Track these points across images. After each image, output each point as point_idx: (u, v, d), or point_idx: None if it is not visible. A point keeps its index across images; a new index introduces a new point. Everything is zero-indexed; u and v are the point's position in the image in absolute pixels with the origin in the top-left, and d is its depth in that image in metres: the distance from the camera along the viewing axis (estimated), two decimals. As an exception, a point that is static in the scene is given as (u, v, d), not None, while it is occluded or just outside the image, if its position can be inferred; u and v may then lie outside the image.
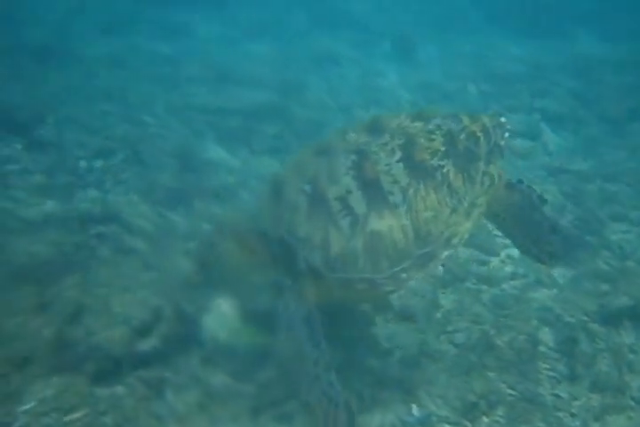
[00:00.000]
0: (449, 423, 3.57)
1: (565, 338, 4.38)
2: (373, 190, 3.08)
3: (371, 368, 3.85)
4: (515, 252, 5.32)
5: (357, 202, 3.08)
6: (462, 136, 3.32)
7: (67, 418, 3.25)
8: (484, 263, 5.22)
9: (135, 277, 3.99)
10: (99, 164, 6.10)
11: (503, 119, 3.54)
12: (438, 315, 4.51)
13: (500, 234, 5.43)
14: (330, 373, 3.08)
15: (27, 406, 3.26)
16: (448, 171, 3.19)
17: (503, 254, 5.36)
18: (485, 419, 3.63)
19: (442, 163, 3.20)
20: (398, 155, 3.16)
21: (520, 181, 3.47)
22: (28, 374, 3.38)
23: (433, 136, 3.27)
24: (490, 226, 5.51)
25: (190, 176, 5.89)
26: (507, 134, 3.47)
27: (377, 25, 11.81)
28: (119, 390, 3.48)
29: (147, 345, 3.64)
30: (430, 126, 3.33)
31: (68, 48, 9.46)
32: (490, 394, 3.76)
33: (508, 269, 5.18)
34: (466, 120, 3.42)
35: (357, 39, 11.27)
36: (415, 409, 3.62)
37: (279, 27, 11.81)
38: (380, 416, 3.55)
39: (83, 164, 6.00)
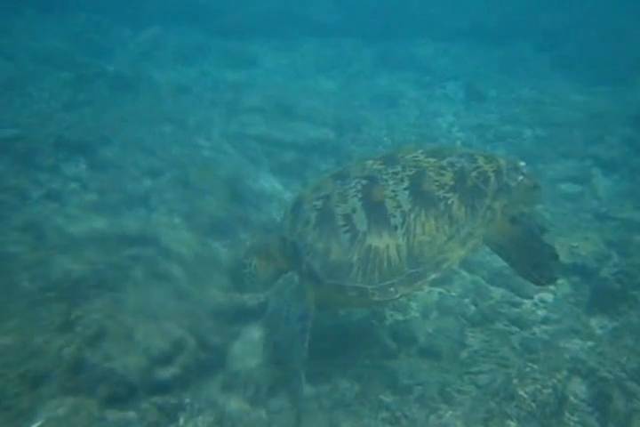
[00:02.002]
0: (459, 469, 3.37)
1: (598, 393, 4.00)
2: (376, 212, 3.36)
3: (386, 405, 3.71)
4: (549, 296, 5.08)
5: (360, 220, 3.38)
6: (473, 174, 3.46)
7: None
8: (516, 305, 4.94)
9: (164, 305, 3.92)
10: (147, 183, 6.12)
11: (522, 163, 3.58)
12: (464, 354, 4.31)
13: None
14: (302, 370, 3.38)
15: (36, 425, 3.22)
16: (452, 202, 3.36)
17: (537, 298, 5.06)
18: (500, 470, 3.39)
19: (447, 195, 3.37)
20: (406, 184, 3.41)
21: (522, 214, 3.47)
22: (41, 393, 3.34)
23: (443, 171, 3.45)
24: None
25: (240, 205, 5.81)
26: (520, 177, 3.48)
27: (440, 67, 11.72)
28: (130, 415, 3.44)
29: (165, 374, 3.61)
30: (443, 162, 3.50)
31: (142, 76, 9.88)
32: (506, 444, 3.51)
33: (541, 313, 4.87)
34: (481, 160, 3.54)
35: (420, 80, 11.24)
36: (426, 452, 3.45)
37: (345, 64, 11.92)
38: (389, 454, 3.40)
39: (133, 183, 6.04)
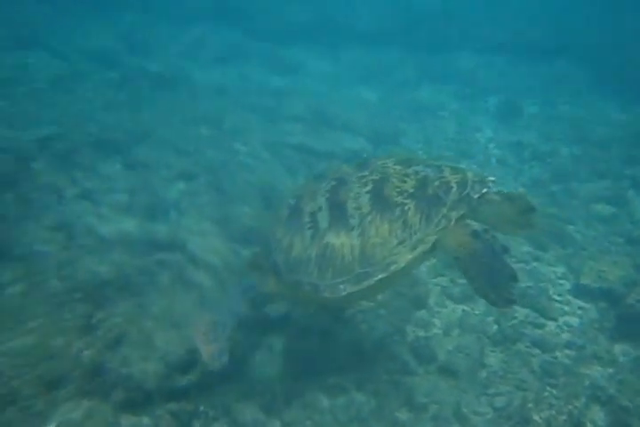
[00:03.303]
0: (467, 490, 3.35)
1: (617, 422, 3.94)
2: (338, 211, 3.48)
3: (401, 422, 3.73)
4: (575, 320, 4.98)
5: (323, 218, 3.50)
6: (436, 183, 3.46)
7: None
8: (539, 326, 4.85)
9: (188, 313, 3.86)
10: (180, 186, 6.05)
11: (491, 178, 3.54)
12: (483, 374, 4.28)
13: (558, 299, 5.22)
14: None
15: None
16: (409, 208, 3.40)
17: (561, 321, 4.96)
18: None
19: (405, 201, 3.42)
20: (369, 187, 3.50)
21: (485, 231, 3.39)
22: (57, 396, 3.39)
23: (406, 179, 3.51)
24: (551, 290, 5.29)
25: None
26: (485, 190, 3.43)
27: (483, 81, 11.48)
28: (144, 420, 3.49)
29: (182, 381, 3.63)
30: (409, 170, 3.56)
31: (182, 76, 9.84)
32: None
33: (565, 336, 4.77)
34: (447, 171, 3.54)
35: (461, 93, 11.06)
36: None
37: (386, 74, 11.80)
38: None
39: (165, 185, 5.95)
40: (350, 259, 3.37)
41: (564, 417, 3.80)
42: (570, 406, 3.91)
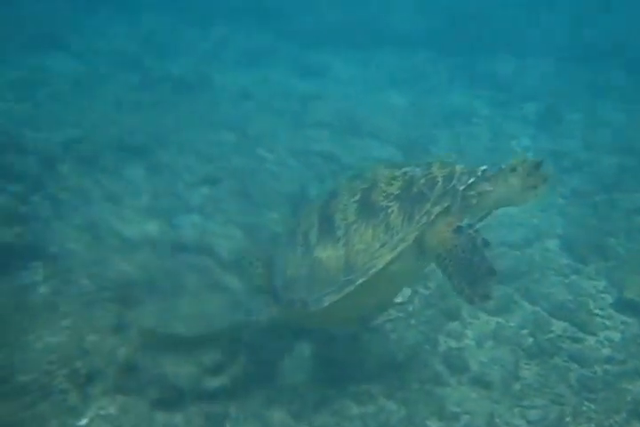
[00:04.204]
0: None
1: (658, 438, 4.13)
2: (327, 225, 3.66)
3: (432, 431, 3.94)
4: (616, 335, 5.14)
5: (313, 234, 3.70)
6: (422, 181, 3.53)
7: None
8: (578, 341, 5.04)
9: (218, 315, 4.18)
10: (204, 191, 6.40)
11: (483, 167, 3.51)
12: (517, 387, 4.48)
13: (600, 313, 5.40)
14: None
15: (84, 421, 3.62)
16: (392, 211, 3.49)
17: (602, 335, 5.14)
18: None
19: (390, 204, 3.52)
20: (357, 196, 3.64)
21: (470, 226, 3.46)
22: (92, 391, 3.73)
23: (393, 182, 3.60)
24: (591, 304, 5.48)
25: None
26: (472, 180, 3.43)
27: (520, 86, 11.63)
28: (178, 418, 3.79)
29: (214, 383, 3.93)
30: (397, 173, 3.64)
31: (205, 79, 10.23)
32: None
33: (605, 351, 4.94)
34: (435, 167, 3.59)
35: (497, 99, 11.22)
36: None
37: (419, 78, 12.05)
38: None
39: (188, 189, 6.33)
40: (335, 270, 3.53)
41: (602, 431, 3.98)
42: (610, 421, 4.08)
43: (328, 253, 3.58)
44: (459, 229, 3.42)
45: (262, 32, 13.45)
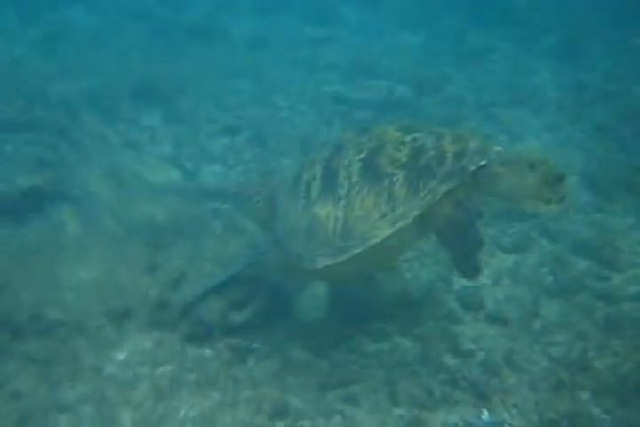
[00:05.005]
0: (521, 435, 3.41)
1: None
2: (329, 180, 3.57)
3: (446, 367, 3.79)
4: (644, 272, 4.88)
5: (316, 187, 3.63)
6: (431, 153, 3.40)
7: (158, 370, 3.75)
8: (603, 279, 4.73)
9: (240, 254, 4.35)
10: (225, 141, 6.60)
11: (498, 148, 3.43)
12: (537, 324, 4.24)
13: (628, 250, 5.11)
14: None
15: (124, 355, 3.81)
16: (397, 180, 3.38)
17: (630, 273, 4.83)
18: (567, 440, 3.39)
19: (395, 171, 3.40)
20: (363, 155, 3.52)
21: (469, 199, 3.44)
22: (127, 327, 3.91)
23: (401, 147, 3.47)
24: (617, 241, 5.18)
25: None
26: (483, 162, 3.33)
27: (542, 20, 10.97)
28: (207, 352, 3.94)
29: (240, 317, 4.06)
30: (407, 138, 3.51)
31: (218, 26, 10.40)
32: (577, 416, 3.45)
33: (633, 288, 4.64)
34: (447, 139, 3.45)
35: (516, 35, 10.67)
36: (486, 414, 3.50)
37: (434, 20, 11.58)
38: (445, 415, 3.48)
39: (210, 139, 6.54)
40: (332, 231, 3.48)
41: (630, 364, 3.75)
42: (638, 354, 3.86)
43: (328, 212, 3.52)
44: (459, 204, 3.39)
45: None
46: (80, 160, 5.69)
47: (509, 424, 3.45)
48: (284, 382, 3.72)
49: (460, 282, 4.60)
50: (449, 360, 3.85)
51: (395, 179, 3.39)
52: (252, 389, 3.65)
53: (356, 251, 3.36)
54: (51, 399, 3.39)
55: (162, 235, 4.52)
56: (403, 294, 4.34)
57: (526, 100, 8.04)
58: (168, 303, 4.03)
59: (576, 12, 11.00)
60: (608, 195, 5.87)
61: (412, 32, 11.21)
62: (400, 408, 3.55)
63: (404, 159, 3.42)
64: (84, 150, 5.90)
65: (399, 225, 3.31)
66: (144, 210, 4.73)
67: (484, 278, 4.70)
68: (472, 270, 3.43)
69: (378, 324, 4.11)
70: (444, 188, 3.29)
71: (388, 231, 3.32)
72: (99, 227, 4.60)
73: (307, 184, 3.70)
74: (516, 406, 3.54)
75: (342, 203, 3.47)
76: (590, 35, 10.10)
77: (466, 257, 3.39)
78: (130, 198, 4.96)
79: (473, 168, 3.31)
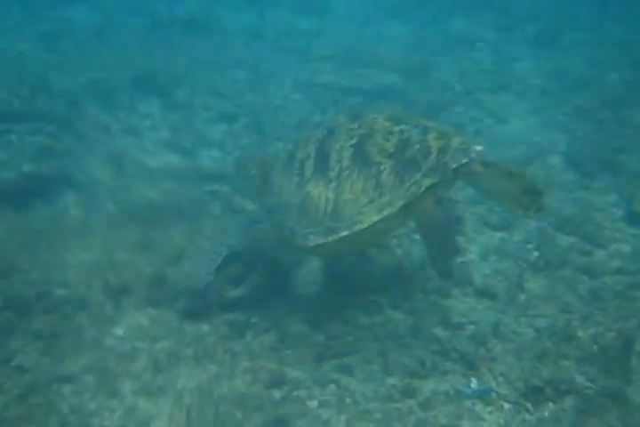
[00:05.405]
0: (508, 402, 3.42)
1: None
2: (322, 162, 3.67)
3: (437, 338, 3.82)
4: (626, 247, 4.89)
5: (309, 166, 3.72)
6: (417, 146, 3.49)
7: (156, 345, 3.73)
8: (587, 254, 4.80)
9: (238, 233, 4.27)
10: (222, 127, 6.61)
11: (479, 148, 3.47)
12: (522, 298, 4.29)
13: (609, 226, 5.12)
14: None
15: (122, 330, 3.79)
16: (384, 169, 3.48)
17: (612, 248, 4.88)
18: (551, 405, 3.40)
19: (383, 160, 3.50)
20: (354, 141, 3.62)
21: (449, 200, 3.60)
22: (125, 303, 3.90)
23: (390, 137, 3.56)
24: (600, 217, 5.19)
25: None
26: (464, 160, 3.40)
27: (522, 9, 11.04)
28: (204, 327, 3.94)
29: (237, 293, 4.06)
30: (395, 129, 3.60)
31: (213, 19, 10.46)
32: (560, 383, 3.48)
33: (616, 263, 4.69)
34: (432, 135, 3.54)
35: (499, 23, 10.71)
36: (474, 382, 3.52)
37: (419, 9, 11.62)
38: (436, 384, 3.51)
39: (208, 125, 6.54)
40: (323, 211, 3.57)
41: (612, 334, 3.76)
42: (620, 325, 3.87)
43: (319, 192, 3.62)
44: (439, 201, 3.47)
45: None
46: (82, 147, 5.74)
47: (496, 392, 3.47)
48: (281, 355, 3.74)
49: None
50: (439, 332, 3.88)
51: (382, 167, 3.48)
52: (249, 361, 3.66)
53: (344, 233, 3.46)
54: (54, 371, 3.40)
55: (161, 216, 4.53)
56: (394, 269, 4.36)
57: (511, 85, 8.04)
58: (164, 279, 4.03)
59: (558, 1, 10.93)
60: (590, 174, 5.93)
61: (399, 21, 11.23)
62: (393, 378, 3.59)
63: (392, 149, 3.51)
64: (86, 138, 5.95)
65: (385, 213, 3.40)
66: (144, 193, 4.76)
67: (473, 255, 4.77)
68: (444, 274, 3.58)
69: (370, 297, 4.14)
70: (427, 181, 3.38)
71: (375, 218, 3.41)
72: (100, 210, 4.64)
73: (301, 162, 3.78)
74: (502, 374, 3.59)
75: (333, 184, 3.57)
76: (571, 23, 10.15)
77: (440, 259, 3.52)
78: (130, 183, 4.98)
79: (454, 166, 3.39)
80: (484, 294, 4.28)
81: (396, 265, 4.39)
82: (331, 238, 3.49)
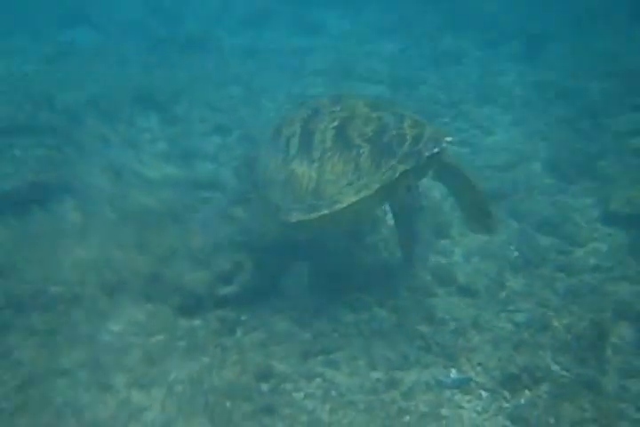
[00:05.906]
0: (485, 390, 3.53)
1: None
2: (306, 141, 3.85)
3: (421, 334, 3.92)
4: (603, 246, 5.00)
5: (294, 144, 3.91)
6: (393, 132, 3.70)
7: (152, 339, 3.85)
8: (565, 253, 4.91)
9: (228, 237, 4.50)
10: (216, 140, 6.83)
11: (449, 139, 3.75)
12: (502, 295, 4.40)
13: (586, 226, 5.26)
14: None
15: (118, 326, 3.89)
16: (363, 152, 3.68)
17: (590, 246, 5.00)
18: (527, 393, 3.51)
19: (362, 144, 3.70)
20: (336, 123, 3.83)
21: (417, 187, 3.72)
22: (120, 299, 4.00)
23: (369, 122, 3.78)
24: (577, 218, 5.32)
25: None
26: (436, 149, 3.64)
27: (509, 24, 11.16)
28: (197, 323, 4.06)
29: (227, 290, 4.18)
30: (373, 115, 3.83)
31: (210, 39, 10.81)
32: (536, 370, 3.60)
33: (593, 261, 4.80)
34: (407, 123, 3.78)
35: (485, 39, 10.90)
36: (454, 373, 3.62)
37: (408, 27, 11.83)
38: (417, 375, 3.62)
39: (202, 138, 6.75)
40: (306, 189, 3.75)
41: (585, 323, 3.88)
42: (591, 315, 3.99)
43: (303, 170, 3.78)
44: (409, 188, 3.67)
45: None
46: (82, 158, 5.91)
47: (475, 381, 3.56)
48: (270, 351, 3.84)
49: (435, 260, 4.77)
50: (423, 328, 3.98)
51: (361, 151, 3.68)
52: (238, 354, 3.77)
53: (324, 211, 3.61)
54: (50, 366, 3.50)
55: (156, 220, 4.66)
56: (379, 270, 4.47)
57: (496, 98, 8.21)
58: (159, 277, 4.13)
59: (538, 17, 11.18)
60: (568, 178, 6.06)
61: (389, 39, 11.43)
62: (378, 372, 3.68)
63: (371, 134, 3.72)
64: (86, 150, 6.12)
65: (362, 195, 3.57)
66: (141, 200, 4.90)
67: (457, 256, 4.89)
68: (409, 261, 3.91)
69: (356, 295, 4.24)
70: (401, 167, 3.59)
71: (353, 199, 3.58)
72: (98, 215, 4.76)
73: (286, 139, 3.97)
74: (480, 364, 3.69)
75: (316, 164, 3.74)
76: (556, 37, 10.34)
77: (404, 243, 3.82)
78: (128, 191, 5.12)
79: (427, 154, 3.61)
80: (467, 291, 4.39)
81: (381, 267, 4.50)
82: (312, 216, 3.64)
